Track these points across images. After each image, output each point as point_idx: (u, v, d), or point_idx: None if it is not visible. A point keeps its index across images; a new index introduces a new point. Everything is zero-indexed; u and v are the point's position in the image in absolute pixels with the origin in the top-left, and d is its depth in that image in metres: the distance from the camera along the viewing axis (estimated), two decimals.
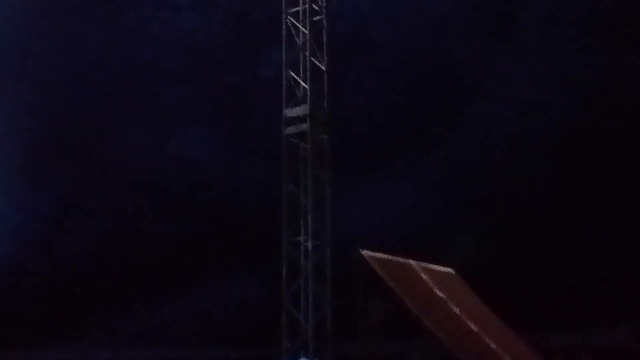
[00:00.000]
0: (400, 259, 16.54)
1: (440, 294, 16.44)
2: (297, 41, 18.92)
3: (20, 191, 29.52)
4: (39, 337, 28.38)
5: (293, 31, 18.97)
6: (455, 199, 27.75)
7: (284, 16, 19.01)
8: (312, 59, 18.69)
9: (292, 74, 18.86)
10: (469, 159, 28.22)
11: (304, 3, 18.81)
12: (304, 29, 18.80)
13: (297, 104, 18.59)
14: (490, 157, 28.08)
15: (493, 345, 15.97)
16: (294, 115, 18.54)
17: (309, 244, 18.10)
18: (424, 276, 16.69)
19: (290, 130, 18.60)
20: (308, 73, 18.60)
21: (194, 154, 29.68)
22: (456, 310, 16.30)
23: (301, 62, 18.82)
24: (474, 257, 23.72)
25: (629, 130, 26.04)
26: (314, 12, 18.88)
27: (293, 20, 18.96)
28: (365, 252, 15.46)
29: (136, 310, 29.35)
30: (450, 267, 18.74)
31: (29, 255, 29.41)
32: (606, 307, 24.61)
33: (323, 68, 18.79)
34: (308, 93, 18.49)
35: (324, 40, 18.94)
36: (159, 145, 30.35)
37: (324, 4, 19.00)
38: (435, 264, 17.95)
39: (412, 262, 16.92)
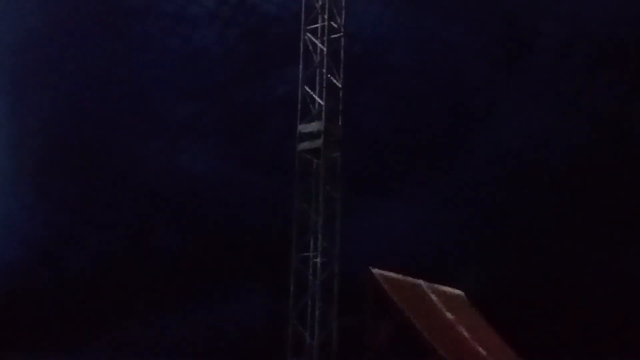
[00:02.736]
0: (410, 279, 16.47)
1: (450, 316, 16.34)
2: (315, 58, 19.01)
3: (29, 199, 29.54)
4: (42, 344, 28.29)
5: (311, 47, 19.06)
6: (464, 222, 27.69)
7: (302, 32, 19.12)
8: (329, 75, 18.75)
9: (308, 89, 18.93)
10: (479, 182, 28.22)
11: (323, 20, 18.91)
12: (321, 46, 18.90)
13: (312, 120, 18.65)
14: (501, 182, 28.08)
15: None
16: (308, 131, 18.59)
17: (318, 260, 18.04)
18: (433, 297, 16.61)
19: (304, 146, 18.65)
20: (324, 90, 18.66)
21: (204, 168, 29.67)
22: (465, 333, 16.19)
23: (317, 78, 18.90)
24: (481, 281, 23.62)
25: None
26: (332, 30, 18.98)
27: (311, 37, 19.07)
28: (376, 271, 15.40)
29: (141, 323, 29.25)
30: (460, 290, 18.65)
31: (35, 262, 29.38)
32: (612, 337, 24.45)
33: (339, 85, 18.84)
34: (323, 109, 18.54)
35: (341, 58, 19.00)
36: (170, 159, 30.34)
37: (343, 22, 19.08)
38: (445, 285, 17.87)
39: (422, 282, 16.85)
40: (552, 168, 28.44)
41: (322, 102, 18.63)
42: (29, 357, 27.63)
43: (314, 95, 18.85)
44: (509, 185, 28.25)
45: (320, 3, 18.96)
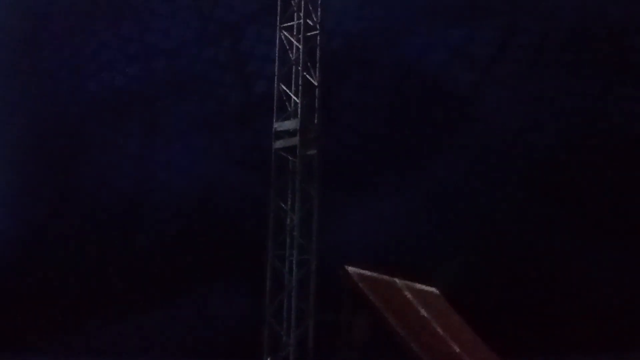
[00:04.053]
0: (385, 277, 16.49)
1: (425, 314, 16.37)
2: (291, 55, 18.99)
3: (7, 194, 29.38)
4: (18, 344, 28.17)
5: (287, 45, 19.03)
6: (442, 220, 27.78)
7: (278, 30, 19.10)
8: (305, 73, 18.73)
9: (284, 87, 18.91)
10: (459, 181, 28.29)
11: (299, 18, 18.87)
12: (297, 44, 18.87)
13: (288, 118, 18.64)
14: (480, 180, 28.16)
15: None
16: (284, 129, 18.59)
17: (294, 258, 18.07)
18: (408, 295, 16.63)
19: (280, 143, 18.66)
20: (300, 87, 18.63)
21: (181, 166, 29.62)
22: (440, 330, 16.23)
23: (294, 76, 18.87)
24: (458, 279, 23.73)
25: (618, 157, 26.17)
26: (308, 27, 18.94)
27: (287, 35, 19.04)
28: (351, 268, 15.39)
29: (115, 322, 29.17)
30: (434, 288, 18.71)
31: (13, 259, 29.24)
32: (587, 335, 24.62)
33: (315, 83, 18.81)
34: (299, 107, 18.52)
35: (317, 55, 18.98)
36: (147, 156, 30.25)
37: (319, 20, 19.05)
38: (420, 283, 17.91)
39: (397, 280, 16.87)
40: (530, 163, 28.53)
41: (297, 100, 18.62)
42: (3, 357, 27.51)
43: (290, 93, 18.84)
44: (487, 182, 28.36)
45: (296, 0, 18.94)
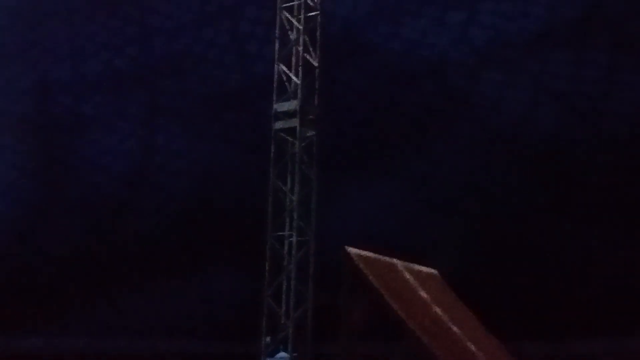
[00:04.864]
0: (386, 258, 16.51)
1: (424, 295, 16.41)
2: (291, 36, 18.94)
3: (3, 177, 29.34)
4: (18, 324, 28.24)
5: (287, 26, 18.99)
6: (441, 202, 27.78)
7: (278, 10, 19.05)
8: (305, 54, 18.69)
9: (284, 68, 18.88)
10: (457, 163, 28.26)
11: None
12: (297, 24, 18.83)
13: (288, 99, 18.61)
14: (478, 162, 28.13)
15: (475, 349, 15.94)
16: (284, 109, 18.59)
17: (294, 239, 18.09)
18: (407, 276, 16.65)
19: (280, 124, 18.67)
20: (300, 68, 18.61)
21: (180, 147, 29.57)
22: (439, 311, 16.27)
23: (294, 57, 18.84)
24: (455, 260, 23.73)
25: (620, 142, 26.16)
26: (308, 8, 18.91)
27: (287, 15, 18.99)
28: (351, 249, 15.40)
29: (116, 301, 29.22)
30: (434, 269, 18.74)
31: (10, 241, 29.24)
32: (583, 318, 24.69)
33: (315, 64, 18.79)
34: (299, 88, 18.50)
35: (318, 36, 18.95)
36: (146, 138, 30.20)
37: (319, 1, 19.00)
38: (419, 264, 17.93)
39: (396, 261, 16.89)
40: (529, 147, 28.50)
41: (297, 81, 18.60)
42: (4, 338, 27.58)
43: (289, 74, 18.81)
44: (488, 164, 28.34)
45: None
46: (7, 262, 29.07)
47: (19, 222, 29.72)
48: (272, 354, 17.81)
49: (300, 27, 18.81)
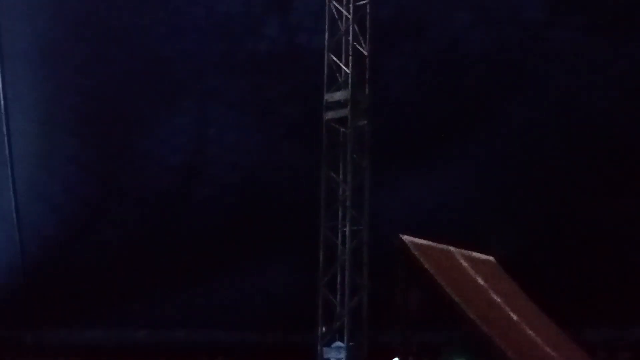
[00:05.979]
0: (441, 245, 16.43)
1: (482, 282, 16.28)
2: (340, 26, 18.92)
3: (65, 173, 29.85)
4: (78, 317, 28.79)
5: (336, 15, 18.98)
6: (494, 190, 27.49)
7: (327, 0, 19.06)
8: (355, 43, 18.67)
9: (334, 58, 18.88)
10: (511, 149, 27.94)
11: None
12: (347, 13, 18.81)
13: (339, 89, 18.62)
14: (534, 146, 27.75)
15: (535, 336, 15.78)
16: (335, 99, 18.64)
17: (347, 229, 18.11)
18: (464, 263, 16.55)
19: (331, 115, 18.72)
20: (350, 58, 18.60)
21: (233, 139, 29.72)
22: (497, 299, 16.14)
23: (343, 47, 18.83)
24: (512, 247, 23.47)
25: None
26: None
27: (337, 5, 18.99)
28: (406, 237, 15.36)
29: (175, 294, 29.59)
30: (490, 256, 18.58)
31: (71, 236, 29.76)
32: None
33: (365, 53, 18.75)
34: (350, 78, 18.50)
35: (367, 25, 18.89)
36: (199, 131, 30.40)
37: None
38: (475, 251, 17.80)
39: (452, 248, 16.79)
40: (582, 133, 28.02)
41: (348, 71, 18.60)
42: (63, 328, 28.17)
43: (340, 64, 18.81)
44: (544, 148, 27.95)
45: None
46: (67, 257, 29.59)
47: (78, 215, 30.18)
48: (329, 344, 17.86)
49: (350, 17, 18.78)
